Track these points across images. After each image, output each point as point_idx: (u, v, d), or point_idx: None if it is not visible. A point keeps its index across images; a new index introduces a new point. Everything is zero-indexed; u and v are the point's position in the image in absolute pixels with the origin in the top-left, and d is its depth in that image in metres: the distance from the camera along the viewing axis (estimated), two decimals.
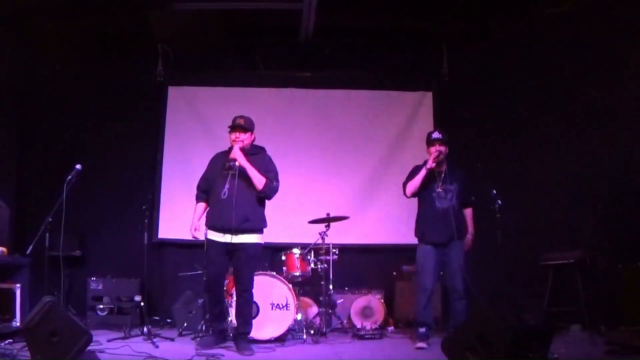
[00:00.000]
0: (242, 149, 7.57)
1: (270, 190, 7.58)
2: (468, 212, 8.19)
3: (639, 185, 8.31)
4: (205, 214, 7.72)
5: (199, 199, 7.76)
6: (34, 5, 9.17)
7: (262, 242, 7.74)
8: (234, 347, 7.51)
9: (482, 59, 10.80)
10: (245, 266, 7.54)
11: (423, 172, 7.88)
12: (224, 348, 7.52)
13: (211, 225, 7.51)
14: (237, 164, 7.43)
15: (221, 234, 7.42)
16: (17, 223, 9.32)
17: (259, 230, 7.62)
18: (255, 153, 7.73)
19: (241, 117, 7.69)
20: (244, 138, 7.59)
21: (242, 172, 7.44)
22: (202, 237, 7.60)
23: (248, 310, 7.67)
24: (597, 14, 8.95)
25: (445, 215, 7.85)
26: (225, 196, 7.38)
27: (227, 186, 7.41)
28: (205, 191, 7.72)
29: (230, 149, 7.65)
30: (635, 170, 8.35)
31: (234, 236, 7.36)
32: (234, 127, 7.62)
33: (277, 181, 7.69)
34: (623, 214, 8.35)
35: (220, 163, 7.65)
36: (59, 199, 7.47)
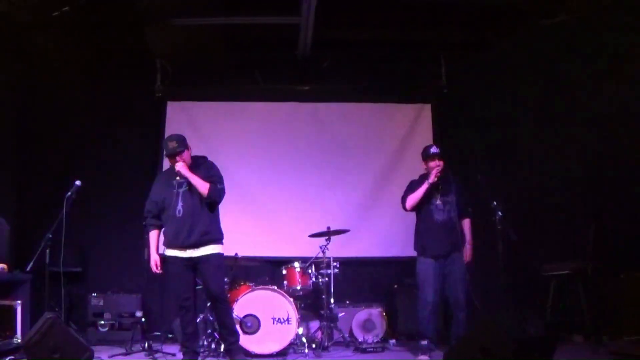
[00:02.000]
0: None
1: (216, 194, 7.45)
2: (466, 222, 8.19)
3: None
4: (159, 237, 7.66)
5: (151, 226, 7.67)
6: (33, 21, 9.17)
7: (223, 252, 7.64)
8: None
9: (481, 70, 10.80)
10: (214, 278, 7.44)
11: (425, 187, 7.91)
12: None
13: (170, 243, 7.43)
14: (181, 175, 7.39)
15: (182, 251, 7.36)
16: (17, 239, 9.29)
17: (218, 240, 7.54)
18: (197, 165, 7.65)
19: (171, 140, 7.56)
20: (183, 158, 7.49)
21: (190, 185, 7.40)
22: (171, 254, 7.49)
23: (229, 319, 7.62)
24: (592, 23, 8.97)
25: (444, 228, 7.88)
26: (181, 214, 7.34)
27: (180, 204, 7.37)
28: (157, 216, 7.62)
29: (171, 167, 7.57)
30: (636, 179, 8.35)
31: (195, 250, 7.34)
32: (169, 156, 7.52)
33: (222, 184, 7.57)
34: (624, 223, 8.35)
35: (167, 181, 7.60)
36: (59, 215, 7.46)
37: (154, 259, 7.46)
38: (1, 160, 9.68)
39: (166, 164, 10.71)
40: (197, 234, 7.31)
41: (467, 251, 8.04)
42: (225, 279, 8.18)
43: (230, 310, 7.76)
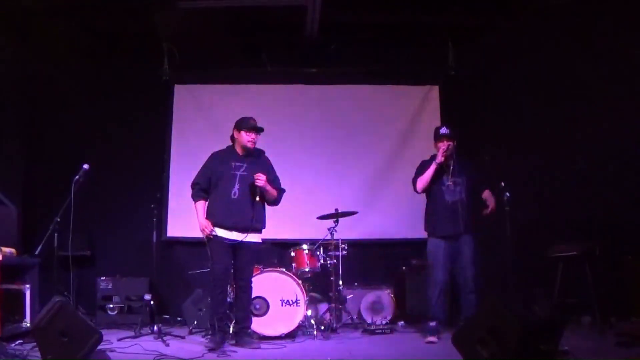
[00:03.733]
0: (248, 150, 7.74)
1: (279, 202, 7.91)
2: (486, 193, 8.16)
3: None
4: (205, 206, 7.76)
5: (198, 197, 7.76)
6: (38, 7, 9.18)
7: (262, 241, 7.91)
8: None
9: (488, 52, 10.74)
10: (249, 264, 7.77)
11: (433, 167, 7.94)
12: (233, 345, 7.58)
13: (219, 223, 7.52)
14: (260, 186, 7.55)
15: (229, 232, 7.50)
16: (25, 224, 9.32)
17: (262, 229, 7.80)
18: (257, 155, 7.88)
19: (252, 118, 7.81)
20: (257, 140, 7.72)
21: (250, 169, 7.61)
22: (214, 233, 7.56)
23: (249, 305, 7.86)
24: (601, 4, 8.91)
25: (455, 208, 7.90)
26: (236, 196, 7.53)
27: (237, 186, 7.55)
28: (205, 190, 7.74)
29: (230, 147, 7.88)
30: None
31: (241, 234, 7.50)
32: (254, 128, 7.73)
33: (284, 190, 7.98)
34: (632, 204, 8.33)
35: (225, 161, 7.74)
36: (67, 199, 7.47)
37: (206, 224, 7.53)
38: (9, 145, 9.70)
39: (175, 148, 10.81)
40: (250, 219, 7.52)
41: (492, 203, 8.03)
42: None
43: (251, 296, 7.88)
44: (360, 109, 11.30)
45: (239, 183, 7.56)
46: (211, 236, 7.50)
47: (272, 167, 7.98)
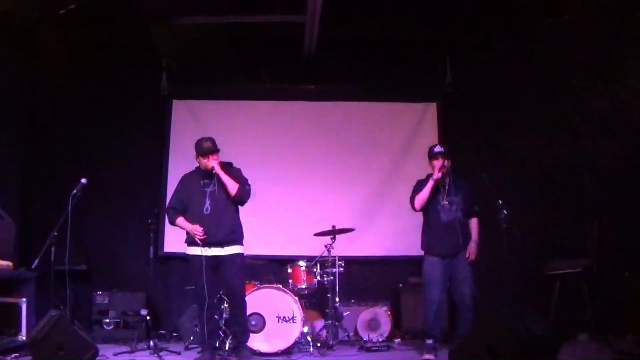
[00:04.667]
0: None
1: (243, 194, 7.72)
2: (473, 221, 8.21)
3: None
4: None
5: (175, 216, 7.76)
6: (38, 19, 9.18)
7: (244, 253, 7.85)
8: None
9: (486, 69, 10.78)
10: (237, 277, 7.67)
11: (430, 184, 7.95)
12: None
13: (196, 241, 7.51)
14: (215, 171, 7.55)
15: (207, 248, 7.50)
16: (22, 237, 9.32)
17: (241, 240, 7.75)
18: (226, 170, 7.79)
19: (206, 140, 7.75)
20: (215, 158, 7.67)
21: (219, 184, 7.61)
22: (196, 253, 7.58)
23: (245, 319, 7.84)
24: (597, 22, 8.96)
25: (451, 227, 7.91)
26: (208, 212, 7.55)
27: (208, 202, 7.58)
28: (181, 211, 7.75)
29: (197, 168, 7.86)
30: None
31: (220, 249, 7.53)
32: (208, 152, 7.66)
33: (249, 185, 7.83)
34: (628, 222, 8.34)
35: (194, 181, 7.79)
36: (65, 213, 7.47)
37: (195, 227, 7.50)
38: (7, 158, 9.69)
39: (173, 163, 10.80)
40: (224, 232, 7.53)
41: (472, 249, 8.03)
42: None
43: (245, 309, 7.84)
44: (358, 126, 11.30)
45: (209, 199, 7.59)
46: (205, 238, 7.48)
47: (240, 173, 7.92)
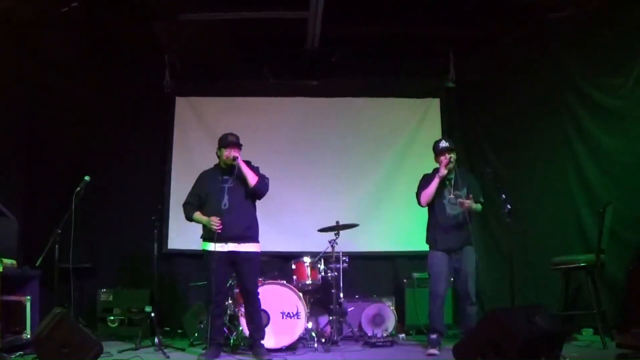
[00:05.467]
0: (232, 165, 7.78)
1: (263, 186, 7.79)
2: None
3: None
4: (202, 225, 7.84)
5: (192, 211, 7.84)
6: (40, 17, 9.18)
7: (261, 252, 7.93)
8: (239, 357, 7.71)
9: (489, 65, 10.78)
10: (252, 275, 7.74)
11: (436, 181, 7.97)
12: (231, 357, 7.65)
13: (213, 236, 7.53)
14: (237, 160, 7.62)
15: (223, 244, 7.53)
16: (25, 235, 9.32)
17: (257, 238, 7.84)
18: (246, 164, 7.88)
19: (233, 134, 7.87)
20: (237, 155, 7.74)
21: (238, 179, 7.69)
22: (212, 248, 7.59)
23: (259, 316, 7.82)
24: (600, 17, 8.94)
25: (457, 222, 7.94)
26: (226, 207, 7.60)
27: (226, 197, 7.64)
28: (197, 207, 7.83)
29: (216, 165, 7.97)
30: None
31: (237, 244, 7.57)
32: (231, 143, 7.78)
33: (268, 179, 7.90)
34: (633, 215, 8.32)
35: (212, 177, 7.88)
36: (68, 211, 7.47)
37: (212, 218, 7.52)
38: (10, 156, 9.68)
39: (176, 160, 10.80)
40: (242, 228, 7.61)
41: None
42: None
43: (259, 307, 7.86)
44: (361, 122, 11.32)
45: (227, 194, 7.65)
46: (219, 228, 7.49)
47: (257, 170, 7.97)
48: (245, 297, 7.80)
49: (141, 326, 8.98)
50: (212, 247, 7.53)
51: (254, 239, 7.76)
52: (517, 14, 9.74)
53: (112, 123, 10.94)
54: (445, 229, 8.00)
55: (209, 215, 7.60)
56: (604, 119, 8.91)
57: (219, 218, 7.48)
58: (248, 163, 7.89)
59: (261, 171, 7.87)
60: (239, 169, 7.63)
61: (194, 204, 7.84)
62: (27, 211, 9.91)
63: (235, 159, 7.60)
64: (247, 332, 7.97)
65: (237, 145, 7.78)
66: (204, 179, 7.97)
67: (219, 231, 7.45)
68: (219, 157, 7.90)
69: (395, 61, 11.25)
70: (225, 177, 7.73)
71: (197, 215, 7.75)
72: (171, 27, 9.68)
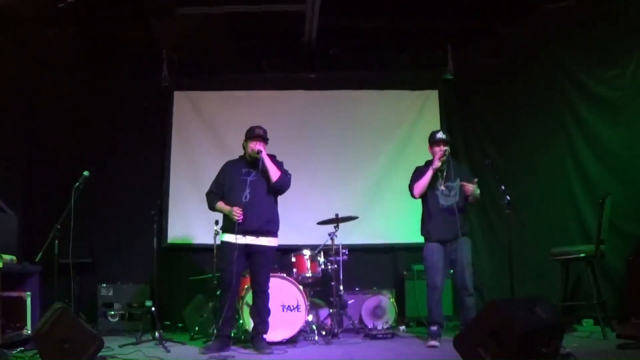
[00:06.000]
0: (256, 158, 7.81)
1: (285, 182, 7.87)
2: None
3: None
4: (223, 216, 7.88)
5: (215, 200, 7.87)
6: (38, 14, 9.17)
7: (278, 246, 7.95)
8: (239, 350, 7.71)
9: (487, 56, 10.77)
10: (265, 269, 7.80)
11: (430, 172, 7.99)
12: (233, 351, 7.62)
13: (232, 228, 7.56)
14: (261, 154, 7.67)
15: (241, 236, 7.56)
16: (25, 231, 9.32)
17: (276, 233, 7.87)
18: (270, 158, 7.92)
19: (260, 127, 7.95)
20: (262, 149, 7.80)
21: (261, 173, 7.75)
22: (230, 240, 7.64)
23: (266, 311, 7.82)
24: (597, 7, 8.94)
25: (450, 213, 7.93)
26: (247, 199, 7.61)
27: (248, 190, 7.65)
28: (220, 197, 7.86)
29: (241, 157, 8.00)
30: None
31: (255, 238, 7.61)
32: (258, 136, 7.85)
33: (290, 175, 7.98)
34: (633, 206, 8.33)
35: (236, 168, 7.89)
36: (67, 206, 7.47)
37: (234, 209, 7.57)
38: (9, 152, 9.68)
39: (175, 154, 10.80)
40: (261, 221, 7.65)
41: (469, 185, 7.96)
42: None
43: (267, 302, 7.87)
44: (359, 114, 11.32)
45: (249, 187, 7.66)
46: (240, 218, 7.53)
47: (281, 164, 8.05)
48: (255, 290, 7.82)
49: (142, 321, 8.97)
50: (230, 238, 7.57)
51: (273, 233, 7.81)
52: (515, 5, 9.74)
53: (110, 118, 10.94)
54: (439, 220, 8.02)
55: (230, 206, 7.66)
56: (602, 110, 8.94)
57: (240, 209, 7.52)
58: (272, 157, 7.94)
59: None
60: (263, 163, 7.67)
61: (217, 194, 7.88)
62: (26, 207, 9.92)
63: (259, 152, 7.65)
64: (248, 325, 7.99)
65: (263, 139, 7.84)
66: (228, 169, 8.00)
67: (240, 221, 7.49)
68: (244, 148, 7.94)
69: (393, 53, 11.22)
70: (249, 170, 7.78)
71: (220, 205, 7.79)
72: (168, 22, 9.65)
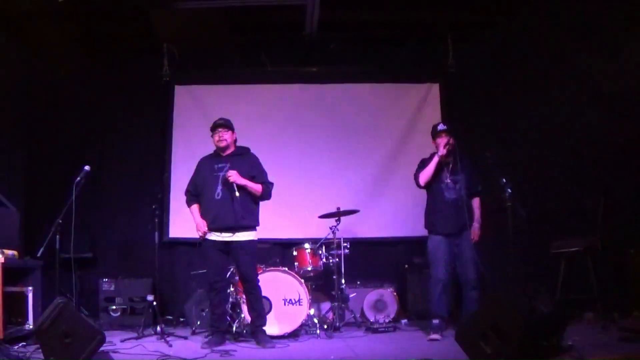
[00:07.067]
0: (226, 150, 7.88)
1: (267, 195, 7.90)
2: (475, 201, 8.25)
3: None
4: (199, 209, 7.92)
5: (191, 202, 7.97)
6: (37, 9, 9.15)
7: (257, 239, 7.92)
8: (241, 344, 7.75)
9: (488, 49, 10.74)
10: (248, 264, 7.75)
11: (435, 160, 7.99)
12: (234, 345, 7.66)
13: (209, 226, 7.66)
14: (231, 179, 7.59)
15: (218, 234, 7.63)
16: (26, 226, 9.30)
17: (253, 227, 7.84)
18: (241, 154, 7.99)
19: (221, 118, 7.97)
20: (227, 137, 7.83)
21: (233, 166, 7.72)
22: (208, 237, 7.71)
23: (260, 304, 7.87)
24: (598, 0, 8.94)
25: (455, 206, 7.93)
26: (220, 197, 7.63)
27: (219, 187, 7.66)
28: (196, 195, 7.90)
29: (216, 152, 8.00)
30: None
31: (232, 234, 7.62)
32: (216, 126, 7.86)
33: (270, 182, 7.96)
34: (633, 199, 8.33)
35: (208, 165, 7.92)
36: (69, 201, 7.47)
37: (202, 225, 7.70)
38: (10, 146, 9.67)
39: (176, 148, 10.80)
40: (235, 217, 7.58)
41: (475, 230, 8.05)
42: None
43: (260, 295, 7.91)
44: (360, 108, 11.29)
45: (221, 184, 7.66)
46: (203, 237, 7.66)
47: (258, 163, 8.03)
48: (245, 285, 7.86)
49: (143, 315, 8.97)
50: (209, 236, 7.64)
51: (250, 227, 7.77)
52: None
53: (111, 113, 10.94)
54: (444, 212, 8.02)
55: (204, 205, 7.75)
56: (602, 99, 8.91)
57: (205, 229, 7.66)
58: (246, 152, 8.04)
59: (261, 161, 7.90)
60: (237, 188, 7.61)
61: (192, 192, 7.93)
62: (28, 201, 9.89)
63: (229, 177, 7.57)
64: (249, 320, 7.99)
65: (225, 127, 7.84)
66: (201, 166, 8.03)
67: (200, 239, 7.72)
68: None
69: (394, 47, 11.20)
70: (221, 165, 7.76)
71: (194, 209, 7.90)
72: (168, 15, 9.63)
